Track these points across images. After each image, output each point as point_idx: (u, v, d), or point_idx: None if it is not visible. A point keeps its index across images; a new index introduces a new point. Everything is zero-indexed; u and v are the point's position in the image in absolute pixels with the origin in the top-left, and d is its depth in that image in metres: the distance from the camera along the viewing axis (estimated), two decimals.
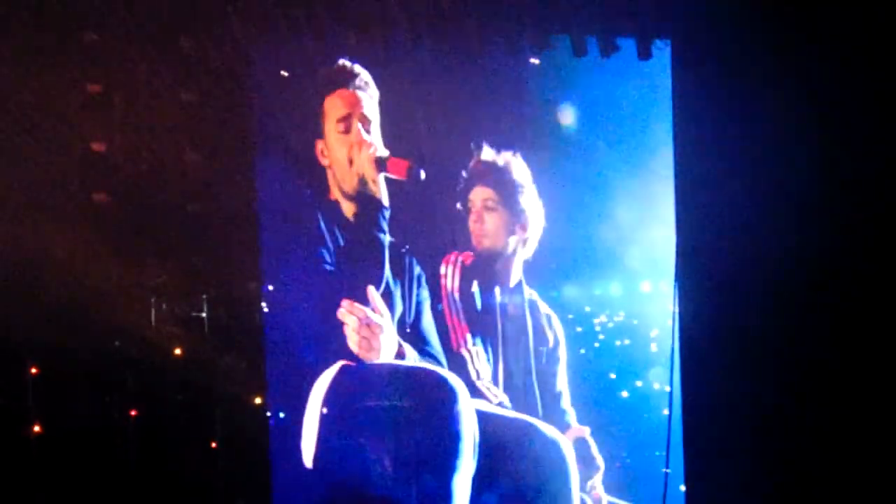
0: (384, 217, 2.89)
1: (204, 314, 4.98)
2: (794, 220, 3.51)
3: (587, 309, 4.47)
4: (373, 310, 2.45)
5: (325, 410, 2.30)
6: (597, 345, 4.44)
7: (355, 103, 3.01)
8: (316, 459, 2.32)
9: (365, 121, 3.05)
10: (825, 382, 3.52)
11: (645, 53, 4.46)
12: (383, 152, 3.09)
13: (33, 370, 4.70)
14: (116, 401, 4.82)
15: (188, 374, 4.86)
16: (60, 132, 4.57)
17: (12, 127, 4.47)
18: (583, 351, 4.50)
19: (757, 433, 3.63)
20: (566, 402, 3.74)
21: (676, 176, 3.63)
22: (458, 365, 3.28)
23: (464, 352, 3.41)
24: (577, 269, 4.53)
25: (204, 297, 4.99)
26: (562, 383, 3.78)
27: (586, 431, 3.67)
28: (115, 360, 4.82)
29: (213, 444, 4.83)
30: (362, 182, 2.93)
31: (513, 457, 2.62)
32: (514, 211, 3.64)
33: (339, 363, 2.41)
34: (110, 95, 4.61)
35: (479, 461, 2.52)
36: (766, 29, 3.37)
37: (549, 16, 4.22)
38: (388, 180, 3.28)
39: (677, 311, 3.52)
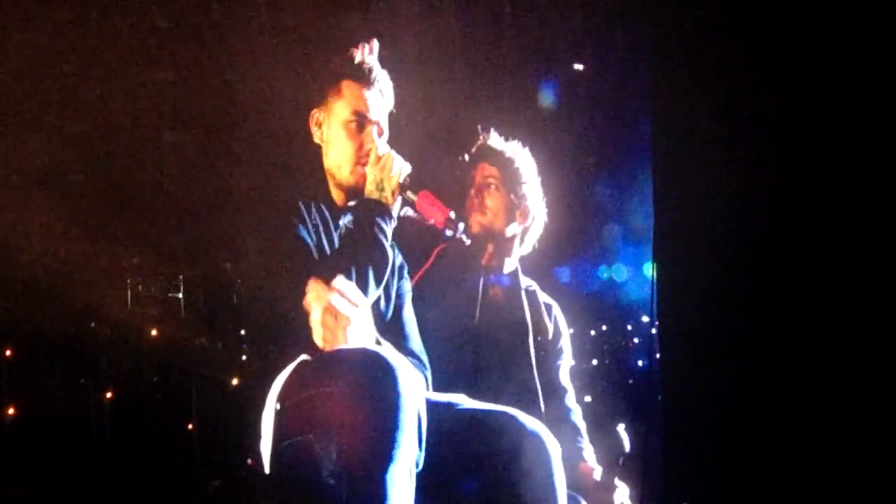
0: (388, 221, 2.66)
1: (181, 295, 4.96)
2: (778, 202, 3.50)
3: (644, 319, 4.28)
4: (344, 298, 2.26)
5: (277, 406, 2.19)
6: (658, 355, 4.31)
7: (376, 106, 2.75)
8: (272, 463, 2.20)
9: (380, 129, 2.79)
10: (810, 366, 3.53)
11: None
12: (406, 176, 2.77)
13: (7, 352, 4.65)
14: (92, 382, 4.78)
15: (165, 356, 4.84)
16: (35, 112, 4.50)
17: None
18: (641, 363, 4.31)
19: (739, 421, 3.63)
20: (571, 399, 3.53)
21: (654, 156, 3.60)
22: (441, 360, 3.08)
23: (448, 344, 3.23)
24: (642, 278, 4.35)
25: (181, 277, 4.96)
26: (565, 378, 3.58)
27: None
28: (90, 341, 4.79)
29: (190, 426, 4.81)
30: (378, 186, 2.68)
31: (489, 451, 2.46)
32: (516, 195, 3.42)
33: (300, 358, 2.28)
34: (85, 74, 4.54)
35: (452, 457, 2.39)
36: (747, 7, 3.35)
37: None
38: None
39: (655, 293, 3.45)
